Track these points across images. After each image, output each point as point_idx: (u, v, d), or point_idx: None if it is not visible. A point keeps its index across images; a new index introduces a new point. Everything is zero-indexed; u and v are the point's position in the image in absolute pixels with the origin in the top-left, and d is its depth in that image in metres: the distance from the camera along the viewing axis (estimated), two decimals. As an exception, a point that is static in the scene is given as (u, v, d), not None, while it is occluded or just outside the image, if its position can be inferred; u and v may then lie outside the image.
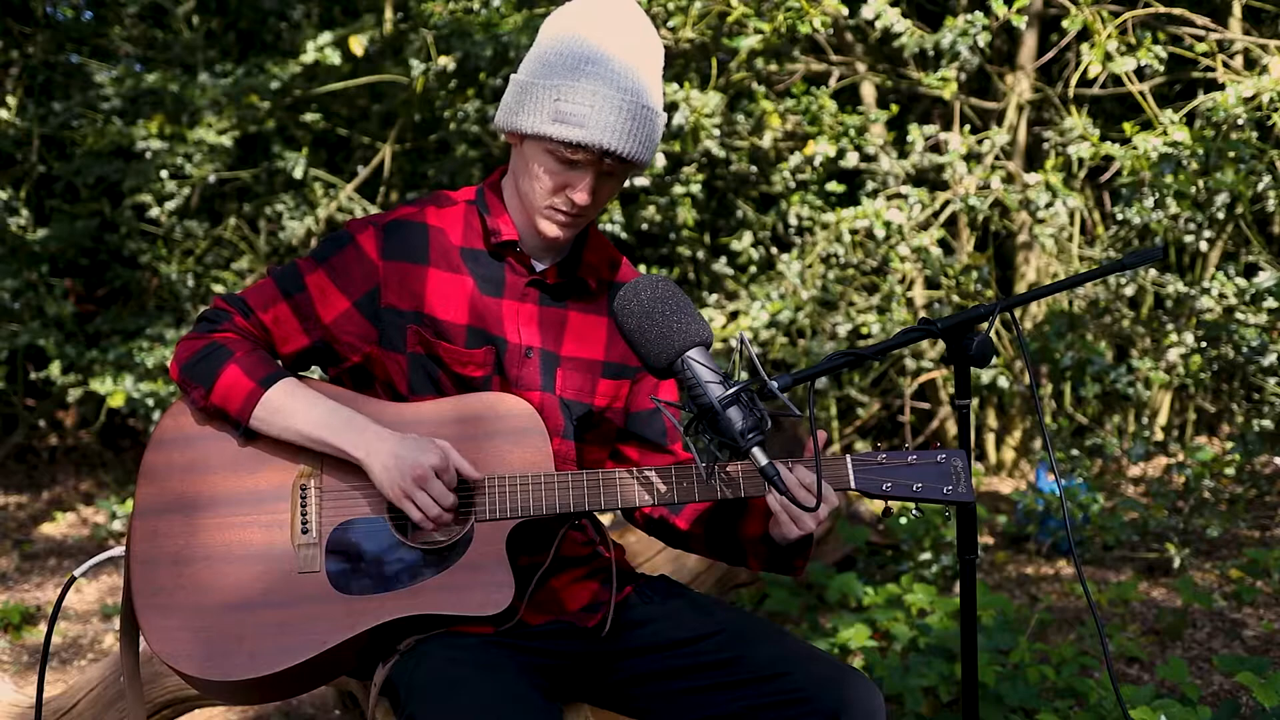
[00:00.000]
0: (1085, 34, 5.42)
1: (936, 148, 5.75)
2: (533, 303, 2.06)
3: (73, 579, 2.09)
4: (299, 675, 1.89)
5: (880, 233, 5.35)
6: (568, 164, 1.93)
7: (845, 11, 5.05)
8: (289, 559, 1.92)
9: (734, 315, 5.75)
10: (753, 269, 6.28)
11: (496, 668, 1.86)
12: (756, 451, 1.76)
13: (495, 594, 1.90)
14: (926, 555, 4.50)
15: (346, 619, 1.88)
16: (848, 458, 1.96)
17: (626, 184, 5.72)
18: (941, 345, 5.13)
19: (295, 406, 1.93)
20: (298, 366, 2.07)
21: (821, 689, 1.91)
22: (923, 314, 5.38)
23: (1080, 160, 5.27)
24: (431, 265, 2.02)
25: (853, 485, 1.94)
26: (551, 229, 1.99)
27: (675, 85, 5.48)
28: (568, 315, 2.08)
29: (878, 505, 2.08)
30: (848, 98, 6.50)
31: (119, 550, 2.02)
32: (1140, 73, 5.39)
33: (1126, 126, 4.96)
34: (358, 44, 6.01)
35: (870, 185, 5.97)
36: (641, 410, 2.15)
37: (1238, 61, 5.71)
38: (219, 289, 6.42)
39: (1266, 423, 5.21)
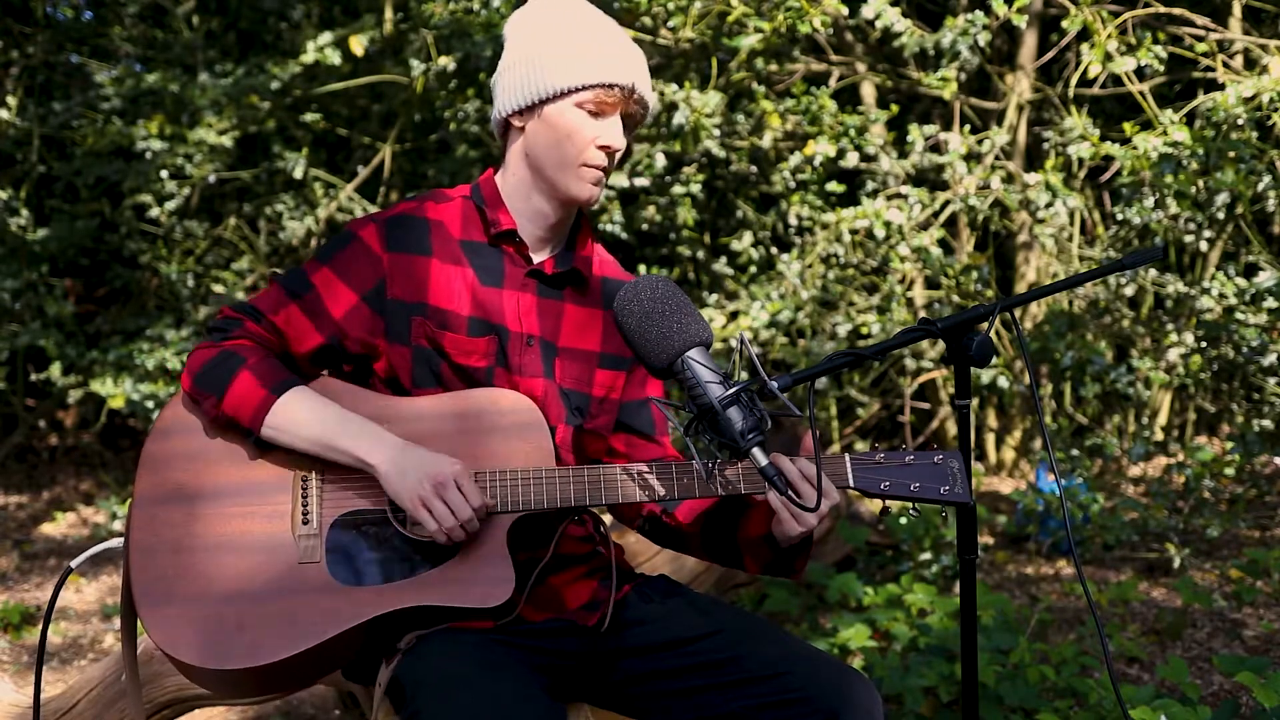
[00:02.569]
0: (1085, 34, 5.41)
1: (936, 148, 5.75)
2: (532, 293, 2.08)
3: (69, 570, 2.09)
4: (298, 666, 1.89)
5: (880, 233, 5.34)
6: (594, 115, 2.01)
7: (845, 11, 5.05)
8: (289, 549, 1.92)
9: (734, 315, 5.74)
10: (753, 269, 6.28)
11: (499, 666, 1.86)
12: (756, 452, 1.76)
13: (496, 588, 1.90)
14: (926, 555, 4.50)
15: (347, 610, 1.88)
16: (846, 456, 1.96)
17: (626, 183, 5.73)
18: (941, 345, 5.13)
19: (309, 414, 1.93)
20: (314, 365, 2.07)
21: (821, 689, 1.90)
22: (923, 314, 5.38)
23: (1080, 160, 5.27)
24: (434, 257, 2.04)
25: (851, 483, 1.95)
26: (585, 189, 2.04)
27: (675, 85, 5.48)
28: (564, 307, 2.11)
29: (877, 505, 2.10)
30: (848, 98, 6.50)
31: (117, 542, 2.01)
32: (1140, 73, 5.39)
33: (1126, 126, 4.96)
34: (358, 44, 6.01)
35: (870, 185, 5.96)
36: (632, 401, 2.17)
37: (1238, 61, 5.71)
38: (219, 289, 6.42)
39: (1266, 423, 5.21)
